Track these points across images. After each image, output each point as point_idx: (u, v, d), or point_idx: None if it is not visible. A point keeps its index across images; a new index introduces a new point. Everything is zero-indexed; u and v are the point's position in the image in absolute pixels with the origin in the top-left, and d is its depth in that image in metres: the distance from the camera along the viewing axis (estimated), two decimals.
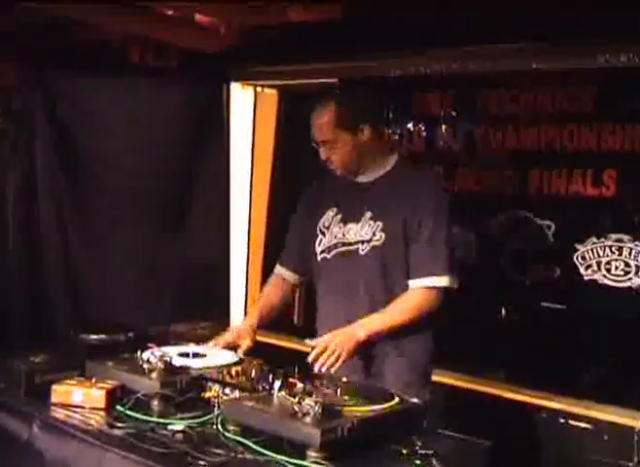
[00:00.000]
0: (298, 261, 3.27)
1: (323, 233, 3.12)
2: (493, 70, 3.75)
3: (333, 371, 2.80)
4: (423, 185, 3.04)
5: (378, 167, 3.07)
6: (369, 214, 3.02)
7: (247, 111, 4.76)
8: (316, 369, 2.78)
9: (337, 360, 2.80)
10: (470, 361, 3.92)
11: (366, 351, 2.97)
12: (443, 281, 2.94)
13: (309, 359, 2.80)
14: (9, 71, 3.89)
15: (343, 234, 3.07)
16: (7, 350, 3.49)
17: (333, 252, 3.10)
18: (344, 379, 2.80)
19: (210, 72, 4.47)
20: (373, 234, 3.00)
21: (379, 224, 3.00)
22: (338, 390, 2.55)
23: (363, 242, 3.02)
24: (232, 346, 3.04)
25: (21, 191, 4.04)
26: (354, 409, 2.42)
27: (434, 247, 2.94)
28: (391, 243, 2.98)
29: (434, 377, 3.21)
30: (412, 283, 2.96)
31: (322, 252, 3.12)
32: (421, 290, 2.95)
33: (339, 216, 3.10)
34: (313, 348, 2.85)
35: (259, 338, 4.57)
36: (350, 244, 3.05)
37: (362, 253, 3.02)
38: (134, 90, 4.27)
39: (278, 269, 3.34)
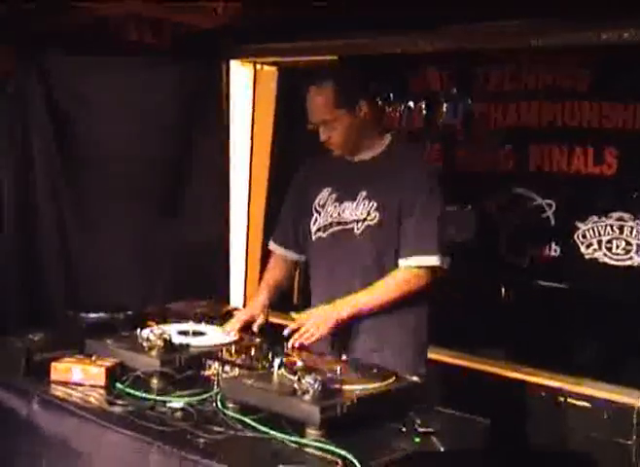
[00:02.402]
0: (293, 239, 3.27)
1: (318, 212, 3.12)
2: (493, 47, 3.73)
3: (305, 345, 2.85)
4: (416, 165, 3.05)
5: (374, 146, 3.07)
6: (364, 193, 3.02)
7: (246, 88, 4.73)
8: (289, 345, 2.83)
9: (309, 338, 2.85)
10: (469, 340, 3.93)
11: (366, 324, 2.99)
12: (431, 261, 2.94)
13: (285, 333, 2.87)
14: (7, 55, 3.86)
15: (339, 214, 3.07)
16: (4, 331, 3.52)
17: (328, 231, 3.10)
18: (344, 358, 2.83)
19: (208, 50, 4.44)
20: (368, 214, 3.00)
21: (374, 203, 3.00)
22: (338, 368, 2.57)
23: (358, 221, 3.02)
24: (249, 324, 3.09)
25: (17, 175, 4.02)
26: (353, 387, 2.43)
27: (423, 227, 2.94)
28: (385, 222, 2.98)
29: (434, 356, 3.22)
30: (401, 262, 2.97)
31: (317, 231, 3.12)
32: (409, 269, 2.95)
33: (335, 195, 3.10)
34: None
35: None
36: (346, 223, 3.05)
37: (357, 232, 3.02)
38: (131, 71, 4.22)
39: (274, 247, 3.34)
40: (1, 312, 3.96)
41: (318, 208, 3.12)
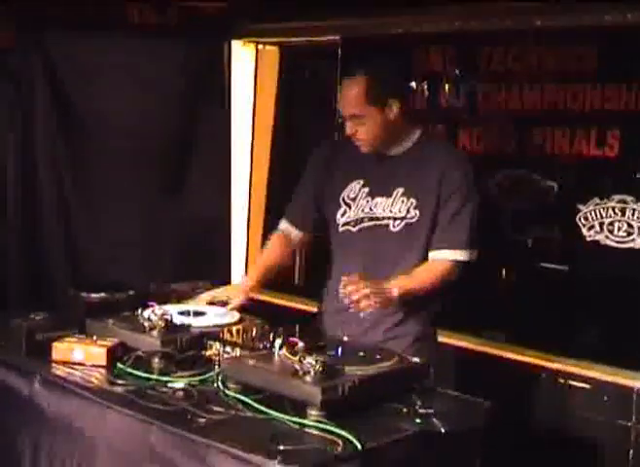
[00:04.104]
0: (306, 218, 3.21)
1: (348, 206, 3.07)
2: (497, 28, 3.69)
3: (362, 307, 2.73)
4: (450, 159, 3.01)
5: (404, 141, 3.02)
6: (400, 190, 2.98)
7: (248, 68, 4.70)
8: (346, 301, 2.73)
9: (373, 301, 2.72)
10: (470, 322, 3.93)
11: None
12: (463, 255, 2.94)
13: (341, 286, 2.73)
14: (8, 30, 3.83)
15: (371, 209, 3.02)
16: (7, 310, 3.52)
17: (359, 226, 3.05)
18: (345, 338, 2.82)
19: (211, 30, 4.41)
20: (407, 211, 2.96)
21: (412, 201, 2.96)
22: (340, 349, 2.56)
23: (395, 219, 2.98)
24: (223, 302, 3.03)
25: (19, 153, 4.00)
26: (355, 368, 2.42)
27: (458, 222, 2.93)
28: (423, 221, 2.95)
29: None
30: (435, 253, 2.95)
31: (346, 224, 3.07)
32: (443, 261, 2.94)
33: (367, 189, 3.04)
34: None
35: (260, 297, 4.61)
36: (378, 219, 3.01)
37: (393, 229, 2.98)
38: (134, 50, 4.21)
39: (284, 225, 3.27)
40: (3, 291, 3.97)
41: (348, 201, 3.07)
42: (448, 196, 2.93)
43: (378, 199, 3.02)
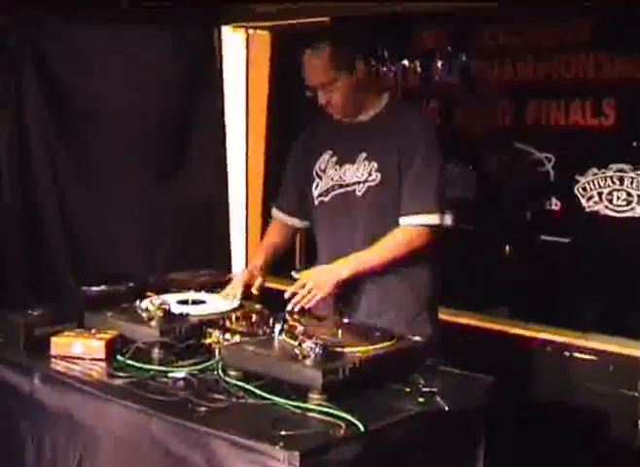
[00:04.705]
0: (296, 205, 3.24)
1: (319, 177, 3.09)
2: (486, 4, 3.65)
3: (307, 307, 2.82)
4: (415, 123, 3.00)
5: (372, 107, 3.03)
6: (363, 155, 2.99)
7: (240, 54, 4.66)
8: (289, 307, 2.79)
9: (310, 300, 2.81)
10: (473, 297, 3.91)
11: (370, 285, 2.97)
12: (432, 219, 2.90)
13: (286, 296, 2.83)
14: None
15: (340, 177, 3.03)
16: (6, 303, 3.50)
17: (330, 194, 3.07)
18: (345, 321, 2.80)
19: (201, 14, 4.37)
20: (369, 174, 2.97)
21: (374, 164, 2.96)
22: (339, 331, 2.54)
23: (359, 183, 2.99)
24: (247, 285, 3.06)
25: (11, 140, 3.96)
26: (355, 349, 2.40)
27: (423, 185, 2.90)
28: (386, 182, 2.94)
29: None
30: (401, 220, 2.93)
31: (319, 195, 3.09)
32: (410, 227, 2.91)
33: (335, 158, 3.06)
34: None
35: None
36: (347, 185, 3.02)
37: (359, 194, 2.99)
38: (126, 32, 4.15)
39: (277, 214, 3.31)
40: (5, 282, 3.95)
41: (319, 173, 3.09)
42: (410, 158, 2.91)
43: (347, 166, 3.03)
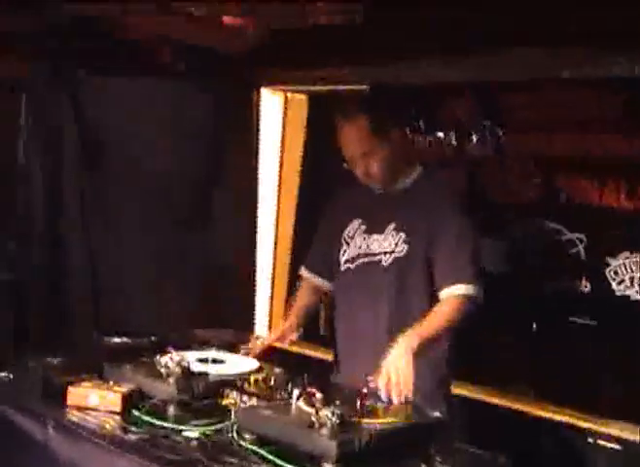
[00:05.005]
0: (325, 267, 3.24)
1: (347, 244, 3.09)
2: (523, 78, 3.67)
3: (410, 395, 2.64)
4: (445, 197, 3.02)
5: (405, 177, 3.05)
6: (392, 225, 2.99)
7: (276, 116, 4.71)
8: (395, 401, 2.60)
9: (407, 384, 2.64)
10: (496, 375, 3.85)
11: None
12: (470, 289, 2.87)
13: (383, 398, 2.61)
14: (21, 57, 3.87)
15: (367, 245, 3.03)
16: (26, 350, 3.51)
17: (356, 263, 3.06)
18: (364, 391, 2.76)
19: (238, 76, 4.44)
20: (396, 245, 2.97)
21: (402, 235, 2.96)
22: (358, 401, 2.50)
23: (385, 253, 2.98)
24: (270, 349, 3.06)
25: (47, 190, 4.03)
26: (372, 421, 2.37)
27: (462, 256, 2.89)
28: (413, 255, 2.94)
29: (458, 390, 3.15)
30: (444, 293, 2.90)
31: (346, 262, 3.09)
32: (453, 299, 2.88)
33: (364, 227, 3.07)
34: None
35: (285, 345, 4.56)
36: (374, 255, 3.01)
37: (384, 264, 2.98)
38: (162, 92, 4.23)
39: (306, 275, 3.30)
40: (27, 330, 3.97)
41: (347, 239, 3.09)
42: (441, 231, 2.91)
43: (375, 236, 3.03)
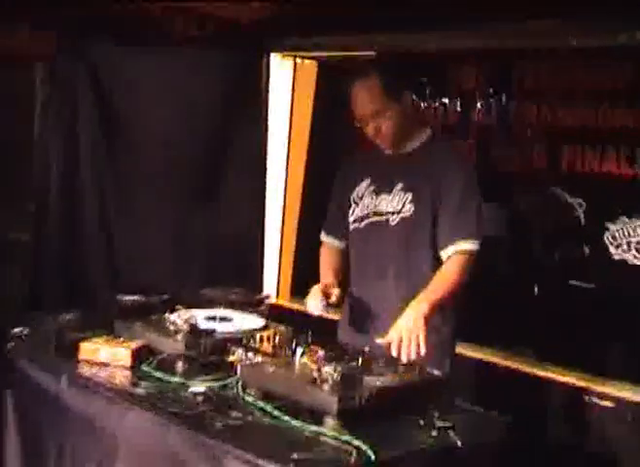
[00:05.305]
0: (341, 229, 3.18)
1: (356, 204, 3.08)
2: (529, 47, 3.63)
3: (423, 353, 2.62)
4: (453, 159, 3.00)
5: (414, 139, 3.01)
6: (400, 185, 2.97)
7: (286, 81, 4.67)
8: (404, 360, 2.59)
9: (418, 344, 2.62)
10: (498, 336, 3.85)
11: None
12: (476, 245, 2.86)
13: (394, 354, 2.60)
14: (48, 40, 3.85)
15: (375, 205, 3.02)
16: (44, 308, 3.53)
17: (364, 222, 3.05)
18: (367, 349, 2.76)
19: (250, 43, 4.40)
20: (403, 206, 2.95)
21: (409, 195, 2.94)
22: (360, 359, 2.51)
23: (393, 213, 2.97)
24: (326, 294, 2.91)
25: (63, 159, 4.02)
26: (374, 378, 2.37)
27: (461, 215, 2.87)
28: (419, 215, 2.92)
29: (461, 350, 3.14)
30: (446, 251, 2.87)
31: (355, 221, 3.08)
32: (459, 256, 2.86)
33: (372, 187, 3.04)
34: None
35: (288, 304, 4.57)
36: (381, 214, 3.00)
37: (392, 224, 2.97)
38: (175, 61, 4.19)
39: (327, 239, 3.24)
40: (45, 292, 3.98)
41: (357, 199, 3.07)
42: (446, 193, 2.88)
43: (383, 196, 3.01)
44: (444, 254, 2.89)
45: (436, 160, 2.95)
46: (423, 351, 2.62)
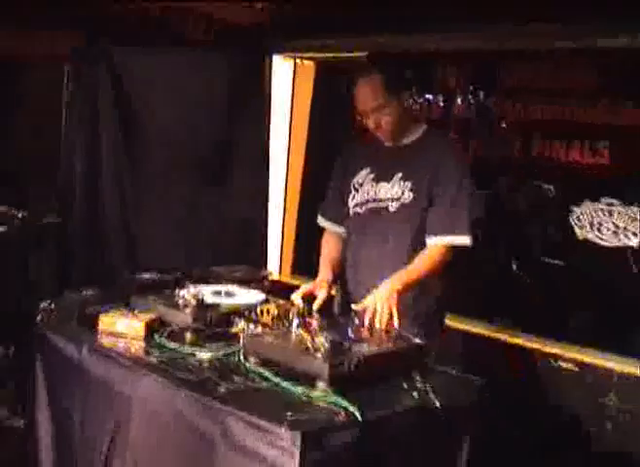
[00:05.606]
0: (340, 215, 3.12)
1: (357, 190, 3.02)
2: (506, 49, 3.59)
3: (396, 324, 2.59)
4: (449, 152, 2.94)
5: (411, 133, 2.96)
6: (399, 175, 2.91)
7: (287, 79, 4.62)
8: (377, 325, 2.56)
9: (390, 315, 2.60)
10: (479, 309, 3.83)
11: None
12: (461, 240, 2.82)
13: (366, 323, 2.58)
14: (62, 40, 3.81)
15: (375, 192, 2.96)
16: (71, 285, 3.52)
17: (364, 207, 2.99)
18: (357, 321, 2.74)
19: (254, 45, 4.36)
20: (402, 193, 2.90)
21: (408, 184, 2.89)
22: (349, 329, 2.50)
23: (393, 200, 2.91)
24: (311, 297, 2.83)
25: (86, 152, 4.00)
26: (362, 346, 2.37)
27: (456, 208, 2.82)
28: (417, 202, 2.87)
29: (448, 321, 3.12)
30: (435, 239, 2.84)
31: (355, 206, 3.02)
32: (441, 246, 2.83)
33: (372, 175, 2.99)
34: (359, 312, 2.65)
35: (289, 280, 4.56)
36: (381, 201, 2.94)
37: (391, 210, 2.92)
38: (187, 61, 4.15)
39: (324, 224, 3.18)
40: (70, 275, 3.99)
41: (357, 186, 3.02)
42: (443, 183, 2.84)
43: (382, 184, 2.96)
44: (430, 241, 2.85)
45: (433, 151, 2.91)
46: (396, 322, 2.59)
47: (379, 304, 2.62)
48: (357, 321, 2.59)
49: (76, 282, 3.82)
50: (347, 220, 3.07)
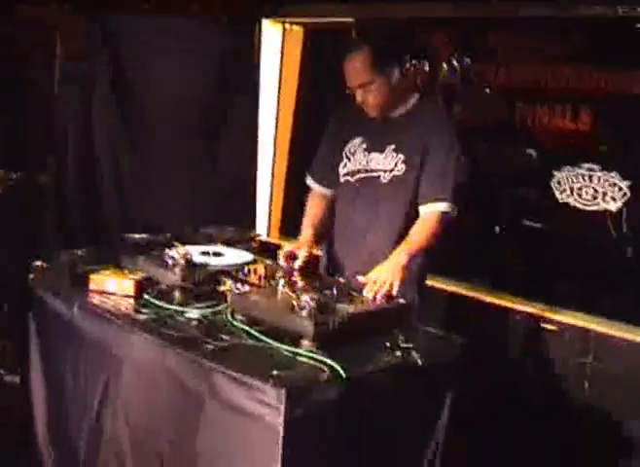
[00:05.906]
0: (329, 177, 3.06)
1: (348, 158, 2.96)
2: (489, 15, 3.53)
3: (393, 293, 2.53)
4: (439, 123, 2.88)
5: (402, 105, 2.90)
6: (392, 146, 2.86)
7: (276, 44, 4.52)
8: (378, 297, 2.50)
9: (390, 290, 2.53)
10: (460, 269, 3.81)
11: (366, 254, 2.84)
12: (450, 208, 2.78)
13: (367, 295, 2.50)
14: (80, 37, 3.74)
15: (367, 162, 2.91)
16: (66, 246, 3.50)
17: (356, 177, 2.93)
18: (341, 280, 2.72)
19: (242, 11, 4.28)
20: (395, 165, 2.85)
21: (401, 156, 2.84)
22: (334, 288, 2.47)
23: (385, 171, 2.87)
24: (293, 256, 2.78)
25: (80, 115, 3.95)
26: (346, 305, 2.35)
27: (445, 177, 2.78)
28: (409, 174, 2.83)
29: (431, 282, 3.10)
30: (428, 207, 2.80)
31: (345, 175, 2.97)
32: (434, 215, 2.78)
33: (364, 145, 2.93)
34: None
35: (277, 241, 4.53)
36: (372, 171, 2.89)
37: (384, 181, 2.87)
38: (178, 30, 4.08)
39: (312, 185, 3.11)
40: (68, 236, 3.96)
41: (348, 155, 2.96)
42: (433, 150, 2.80)
43: (374, 155, 2.91)
44: (421, 209, 2.82)
45: (423, 121, 2.85)
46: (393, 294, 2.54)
47: (382, 278, 2.54)
48: (353, 286, 2.55)
49: (70, 242, 3.80)
50: (337, 186, 3.02)
